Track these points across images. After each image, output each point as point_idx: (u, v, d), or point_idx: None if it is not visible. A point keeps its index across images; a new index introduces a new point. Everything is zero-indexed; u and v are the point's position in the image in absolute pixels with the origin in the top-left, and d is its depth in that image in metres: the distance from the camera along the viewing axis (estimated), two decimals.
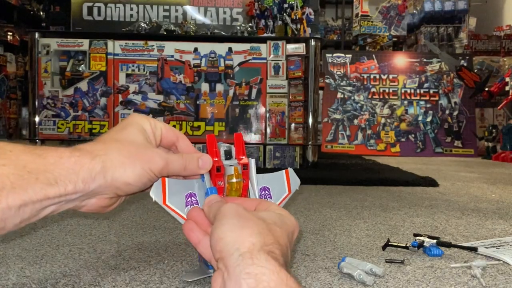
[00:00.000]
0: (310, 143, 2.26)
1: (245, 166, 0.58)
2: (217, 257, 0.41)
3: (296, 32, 2.42)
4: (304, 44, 2.27)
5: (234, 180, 0.56)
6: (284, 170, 0.65)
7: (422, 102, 4.11)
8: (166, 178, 0.59)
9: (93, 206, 0.47)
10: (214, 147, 0.58)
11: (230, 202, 0.48)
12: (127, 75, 2.26)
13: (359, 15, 5.18)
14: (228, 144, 0.61)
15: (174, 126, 2.26)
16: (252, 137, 2.26)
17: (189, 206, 0.59)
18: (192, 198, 0.60)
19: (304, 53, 2.27)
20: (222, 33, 2.55)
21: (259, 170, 0.61)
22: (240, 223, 0.42)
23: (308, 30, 2.41)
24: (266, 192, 0.64)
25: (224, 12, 2.76)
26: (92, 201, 0.47)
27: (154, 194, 0.57)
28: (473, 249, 0.76)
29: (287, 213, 0.48)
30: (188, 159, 0.53)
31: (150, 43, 2.26)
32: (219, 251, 0.41)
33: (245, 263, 0.38)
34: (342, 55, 4.25)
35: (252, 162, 0.60)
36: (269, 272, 0.37)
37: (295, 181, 0.66)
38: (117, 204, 0.52)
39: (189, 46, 2.27)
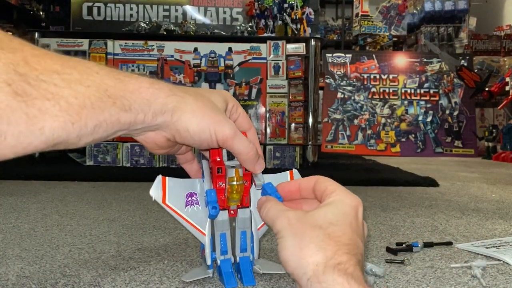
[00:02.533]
0: (310, 143, 2.26)
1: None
2: (291, 276, 0.44)
3: (296, 32, 2.42)
4: (304, 44, 2.27)
5: (234, 183, 0.55)
6: (288, 171, 0.64)
7: (422, 102, 4.11)
8: (167, 177, 0.59)
9: (149, 139, 0.48)
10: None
11: (286, 210, 0.48)
12: None
13: (359, 15, 5.18)
14: None
15: None
16: None
17: (189, 206, 0.59)
18: (193, 197, 0.59)
19: (304, 53, 2.27)
20: (222, 33, 2.55)
21: None
22: (297, 242, 0.43)
23: (308, 30, 2.41)
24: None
25: (224, 12, 2.76)
26: (151, 134, 0.47)
27: (154, 193, 0.57)
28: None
29: (343, 194, 0.48)
30: (254, 149, 0.52)
31: (150, 43, 2.26)
32: (291, 273, 0.44)
33: (315, 287, 0.40)
34: (342, 55, 4.25)
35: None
36: None
37: None
38: (167, 151, 0.52)
39: (189, 46, 2.27)
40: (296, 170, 0.64)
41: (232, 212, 0.58)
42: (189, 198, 0.59)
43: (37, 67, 0.36)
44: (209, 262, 0.59)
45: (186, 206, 0.58)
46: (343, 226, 0.44)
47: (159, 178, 0.58)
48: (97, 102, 0.39)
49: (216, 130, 0.48)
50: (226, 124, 0.48)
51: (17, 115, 0.34)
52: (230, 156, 0.57)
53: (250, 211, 0.59)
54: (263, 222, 0.62)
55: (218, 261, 0.59)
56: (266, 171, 0.59)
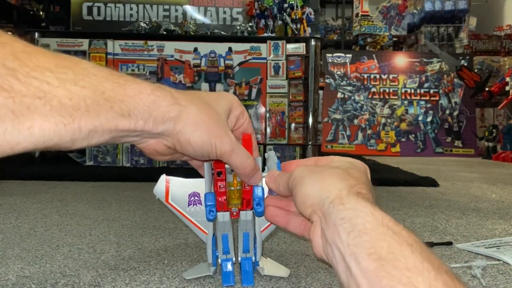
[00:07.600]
0: (310, 143, 2.26)
1: None
2: (309, 212, 0.43)
3: (296, 32, 2.42)
4: (304, 44, 2.27)
5: (232, 188, 0.54)
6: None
7: (422, 102, 4.11)
8: (170, 177, 0.59)
9: (150, 146, 0.46)
10: None
11: (297, 167, 0.49)
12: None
13: (359, 15, 5.18)
14: None
15: None
16: None
17: (192, 205, 0.59)
18: (196, 197, 0.59)
19: (304, 53, 2.27)
20: (222, 33, 2.55)
21: None
22: (319, 177, 0.44)
23: (308, 30, 2.41)
24: (275, 194, 0.63)
25: (224, 12, 2.76)
26: (152, 142, 0.45)
27: (157, 192, 0.57)
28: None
29: (352, 159, 0.50)
30: (252, 164, 0.51)
31: (150, 43, 2.26)
32: (310, 206, 0.43)
33: (337, 209, 0.39)
34: (342, 55, 4.24)
35: (258, 161, 0.58)
36: (363, 214, 0.38)
37: None
38: (169, 158, 0.50)
39: (189, 46, 2.27)
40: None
41: (234, 213, 0.58)
42: (192, 198, 0.59)
43: (28, 63, 0.33)
44: (210, 260, 0.59)
45: (189, 205, 0.59)
46: (360, 174, 0.46)
47: (162, 177, 0.58)
48: (92, 105, 0.36)
49: (217, 144, 0.46)
50: (226, 139, 0.47)
51: (2, 112, 0.32)
52: None
53: (253, 213, 0.59)
54: (266, 224, 0.62)
55: (219, 260, 0.59)
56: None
